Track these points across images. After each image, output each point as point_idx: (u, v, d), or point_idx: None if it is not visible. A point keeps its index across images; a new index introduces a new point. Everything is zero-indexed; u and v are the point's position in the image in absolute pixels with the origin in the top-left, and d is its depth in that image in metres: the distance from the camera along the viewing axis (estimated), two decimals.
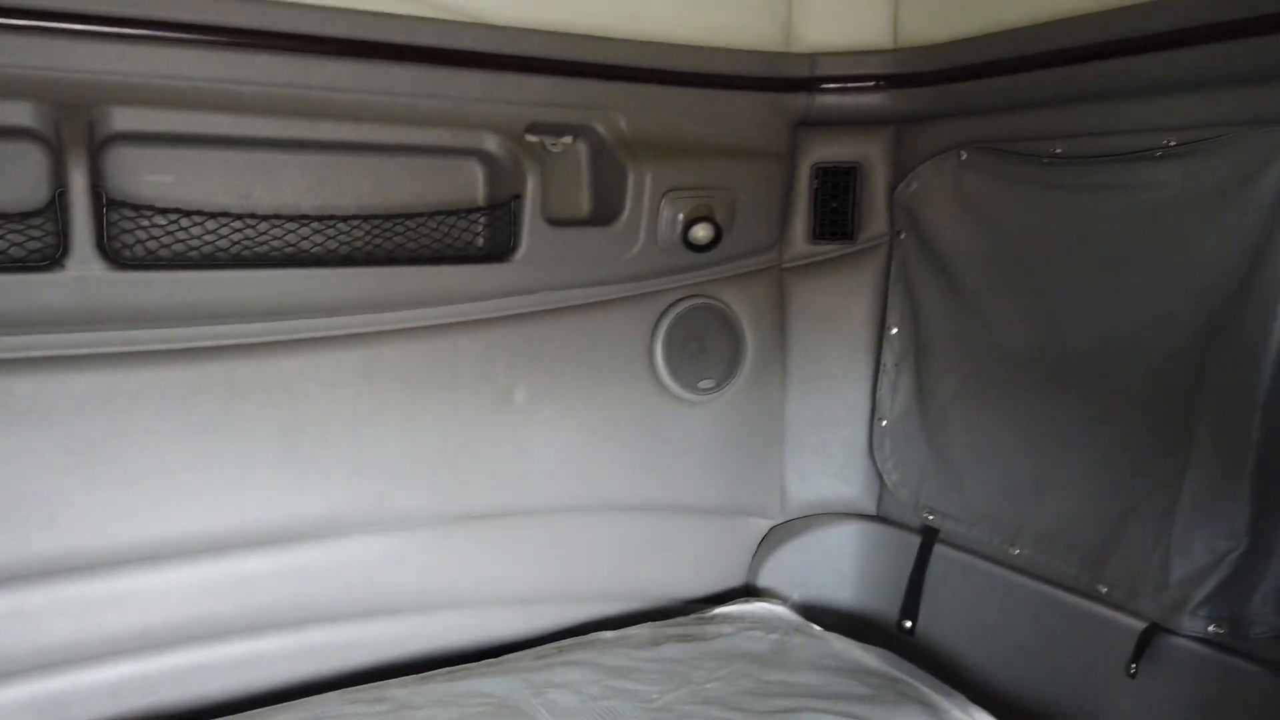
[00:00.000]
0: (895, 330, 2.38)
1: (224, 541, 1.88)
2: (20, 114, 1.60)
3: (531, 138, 2.04)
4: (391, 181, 1.96)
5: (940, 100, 2.20)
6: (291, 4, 1.74)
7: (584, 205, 2.17)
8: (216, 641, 1.91)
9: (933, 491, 2.32)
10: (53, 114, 1.61)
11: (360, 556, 2.02)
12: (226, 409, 1.84)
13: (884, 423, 2.42)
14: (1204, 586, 1.73)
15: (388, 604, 2.07)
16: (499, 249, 2.03)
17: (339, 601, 2.01)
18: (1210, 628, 1.74)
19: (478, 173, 2.06)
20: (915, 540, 2.35)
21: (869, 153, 2.38)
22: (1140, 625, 1.83)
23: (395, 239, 1.95)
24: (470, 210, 2.04)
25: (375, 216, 1.93)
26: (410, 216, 1.96)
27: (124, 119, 1.67)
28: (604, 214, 2.14)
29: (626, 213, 2.12)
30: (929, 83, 2.19)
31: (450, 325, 2.01)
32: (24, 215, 1.63)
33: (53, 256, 1.62)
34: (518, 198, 1.98)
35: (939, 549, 2.31)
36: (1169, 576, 1.78)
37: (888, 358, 2.40)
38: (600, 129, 2.09)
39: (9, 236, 1.63)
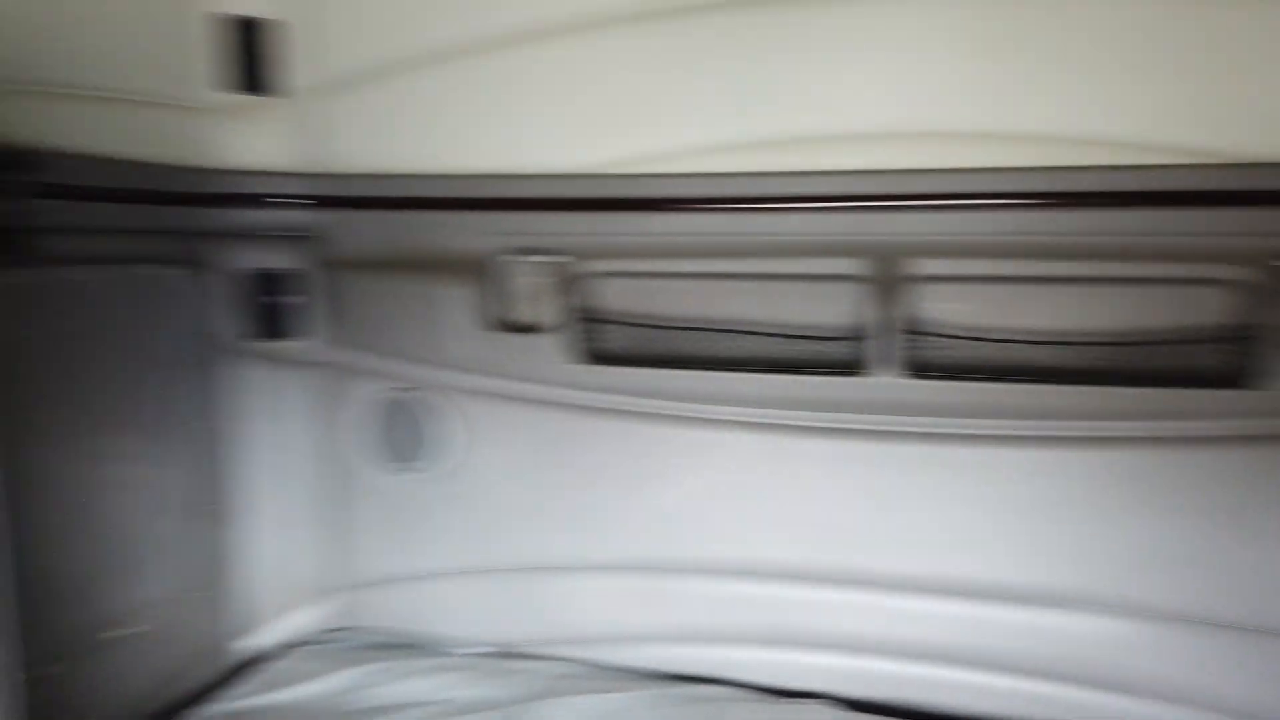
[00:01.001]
0: None
1: (978, 590, 2.34)
2: (846, 266, 2.22)
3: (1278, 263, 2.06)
4: (1128, 307, 2.17)
5: None
6: (1037, 169, 2.10)
7: None
8: (945, 664, 2.40)
9: None
10: (868, 265, 2.19)
11: (1093, 631, 2.29)
12: (977, 479, 2.28)
13: None
14: None
15: (1112, 680, 2.29)
16: (1236, 374, 2.10)
17: (1070, 664, 2.31)
18: None
19: (1217, 299, 2.13)
20: None
21: None
22: None
23: (1131, 360, 2.17)
24: (1220, 339, 2.14)
25: (1115, 343, 2.17)
26: (1150, 344, 2.15)
27: (921, 266, 2.19)
28: None
29: None
30: None
31: (1177, 439, 2.15)
32: (843, 336, 2.27)
33: (861, 365, 2.24)
34: (1266, 325, 2.05)
35: None
36: None
37: None
38: None
39: (829, 349, 2.29)
